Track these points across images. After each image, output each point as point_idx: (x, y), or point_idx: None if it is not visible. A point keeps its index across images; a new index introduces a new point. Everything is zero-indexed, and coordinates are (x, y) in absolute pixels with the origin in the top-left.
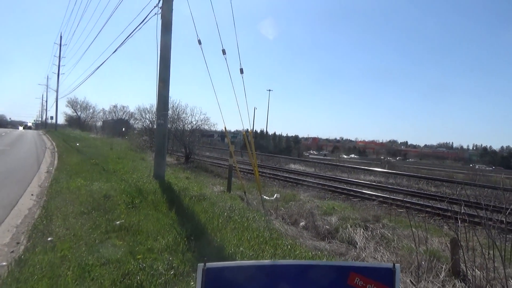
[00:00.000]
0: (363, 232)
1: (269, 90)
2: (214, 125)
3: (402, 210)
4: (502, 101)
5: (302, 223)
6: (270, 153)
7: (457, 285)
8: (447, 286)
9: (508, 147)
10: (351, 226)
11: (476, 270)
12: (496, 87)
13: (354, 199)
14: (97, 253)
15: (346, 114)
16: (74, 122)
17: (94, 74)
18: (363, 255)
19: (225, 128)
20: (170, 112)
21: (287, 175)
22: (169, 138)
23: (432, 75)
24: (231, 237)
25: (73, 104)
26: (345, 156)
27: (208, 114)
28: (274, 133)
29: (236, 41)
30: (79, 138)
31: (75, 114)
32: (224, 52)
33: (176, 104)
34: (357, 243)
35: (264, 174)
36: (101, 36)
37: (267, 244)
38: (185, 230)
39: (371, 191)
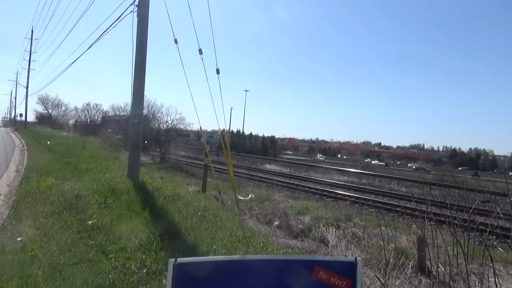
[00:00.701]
0: (335, 231)
1: (246, 91)
2: (190, 124)
3: (373, 210)
4: (471, 104)
5: (276, 223)
6: (246, 153)
7: (423, 281)
8: (413, 281)
9: (476, 148)
10: (323, 225)
11: (441, 266)
12: (466, 91)
13: (327, 199)
14: (69, 253)
15: (322, 116)
16: (45, 119)
17: (67, 70)
18: (335, 253)
19: (201, 128)
20: (145, 111)
21: (262, 175)
22: (144, 137)
23: (403, 79)
24: (205, 236)
25: (44, 101)
26: (320, 156)
27: (184, 113)
28: (251, 134)
29: (213, 41)
30: (50, 136)
31: (46, 111)
32: (200, 52)
33: (152, 103)
34: (329, 242)
35: (239, 174)
36: (75, 32)
37: (240, 242)
38: (158, 229)
39: (344, 191)
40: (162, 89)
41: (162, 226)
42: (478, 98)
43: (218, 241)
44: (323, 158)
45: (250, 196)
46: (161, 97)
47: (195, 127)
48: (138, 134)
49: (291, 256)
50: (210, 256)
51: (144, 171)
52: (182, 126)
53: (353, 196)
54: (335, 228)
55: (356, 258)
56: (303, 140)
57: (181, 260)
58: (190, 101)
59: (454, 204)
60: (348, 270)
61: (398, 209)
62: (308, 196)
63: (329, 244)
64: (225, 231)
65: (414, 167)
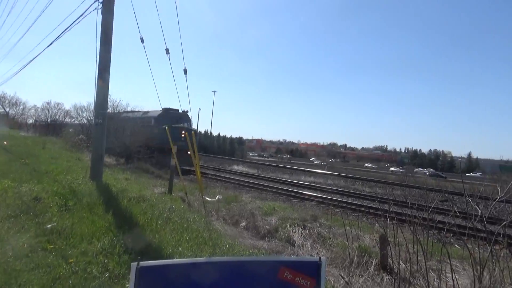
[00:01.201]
0: (301, 231)
1: (214, 92)
2: None
3: (338, 210)
4: (431, 107)
5: (243, 224)
6: (214, 154)
7: (385, 278)
8: (375, 279)
9: (435, 150)
10: (290, 226)
11: (402, 263)
12: (426, 95)
13: (294, 200)
14: (26, 258)
15: (290, 117)
16: (1, 119)
17: (26, 68)
18: (301, 252)
19: (167, 128)
20: (110, 110)
21: (230, 176)
22: (109, 137)
23: (366, 83)
24: (170, 238)
25: (0, 99)
26: (286, 156)
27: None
28: (219, 134)
29: (180, 41)
30: (7, 136)
31: (3, 110)
32: (167, 51)
33: (117, 103)
34: (295, 242)
35: (207, 175)
36: (35, 29)
37: (206, 244)
38: (122, 232)
39: (311, 192)
40: (130, 90)
41: (126, 228)
42: (437, 102)
43: (183, 243)
44: (290, 160)
45: (217, 197)
46: (128, 97)
47: None
48: (102, 134)
49: (257, 257)
50: (174, 259)
51: (108, 172)
52: None
53: (319, 197)
54: (301, 228)
55: (320, 257)
56: (271, 141)
57: (144, 263)
58: (158, 101)
59: (415, 204)
60: (312, 269)
61: (362, 209)
62: (276, 197)
63: (295, 244)
64: (191, 233)
65: (427, 173)
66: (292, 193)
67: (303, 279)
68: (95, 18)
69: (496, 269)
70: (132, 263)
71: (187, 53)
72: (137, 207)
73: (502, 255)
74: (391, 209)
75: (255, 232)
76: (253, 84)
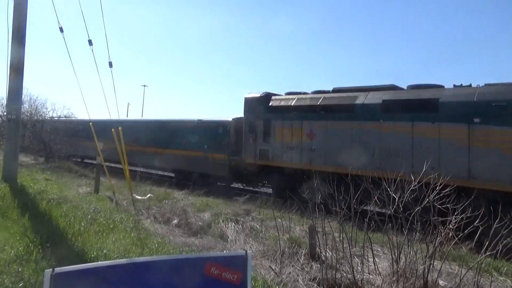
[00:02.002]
0: (234, 225)
1: (144, 86)
2: None
3: (270, 203)
4: None
5: (174, 221)
6: None
7: (314, 266)
8: (305, 268)
9: None
10: (223, 221)
11: (329, 251)
12: None
13: (227, 194)
14: None
15: (221, 111)
16: None
17: None
18: (234, 247)
19: (92, 124)
20: (26, 105)
21: (161, 173)
22: (25, 135)
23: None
24: (94, 240)
25: None
26: None
27: (75, 109)
28: None
29: (104, 33)
30: None
31: None
32: (90, 43)
33: (35, 97)
34: (228, 237)
35: (138, 173)
36: None
37: (134, 244)
38: (39, 237)
39: (243, 186)
40: (50, 84)
41: (44, 233)
42: None
43: (109, 245)
44: None
45: (148, 195)
46: (49, 92)
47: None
48: (16, 131)
49: (183, 255)
50: (93, 263)
51: (25, 172)
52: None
53: (252, 191)
54: (234, 223)
55: (246, 251)
56: None
57: (60, 269)
58: (81, 95)
59: (340, 194)
60: (239, 263)
61: (292, 201)
62: (209, 192)
63: (228, 240)
64: (118, 234)
65: None
66: (226, 187)
67: (230, 274)
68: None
69: (411, 251)
70: (46, 270)
71: (116, 47)
72: (57, 209)
73: (416, 238)
74: (318, 201)
75: (187, 229)
76: (185, 78)
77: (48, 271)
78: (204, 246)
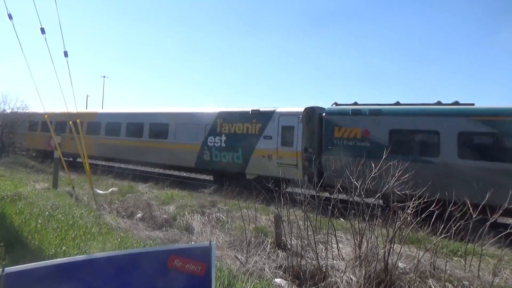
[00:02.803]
0: (200, 217)
1: (104, 77)
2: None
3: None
4: None
5: (138, 215)
6: None
7: (280, 254)
8: (271, 256)
9: None
10: (188, 213)
11: (294, 239)
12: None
13: (192, 187)
14: None
15: (186, 103)
16: None
17: None
18: (200, 239)
19: (47, 117)
20: None
21: (125, 166)
22: None
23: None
24: (52, 237)
25: None
26: None
27: (29, 101)
28: None
29: (58, 21)
30: None
31: None
32: (42, 31)
33: None
34: (194, 229)
35: (99, 166)
36: None
37: (95, 240)
38: None
39: (210, 177)
40: (1, 76)
41: None
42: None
43: (68, 242)
44: None
45: (110, 189)
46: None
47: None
48: None
49: (145, 248)
50: (47, 261)
51: None
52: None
53: (219, 182)
54: (200, 214)
55: (210, 242)
56: None
57: (11, 269)
58: (35, 87)
59: (304, 183)
60: (203, 255)
61: (259, 192)
62: (174, 185)
63: (194, 232)
64: (77, 230)
65: None
66: (190, 180)
67: (194, 265)
68: None
69: (372, 236)
70: None
71: (74, 36)
72: (11, 207)
73: (376, 224)
74: (284, 191)
75: (152, 223)
76: (147, 68)
77: None
78: (169, 239)
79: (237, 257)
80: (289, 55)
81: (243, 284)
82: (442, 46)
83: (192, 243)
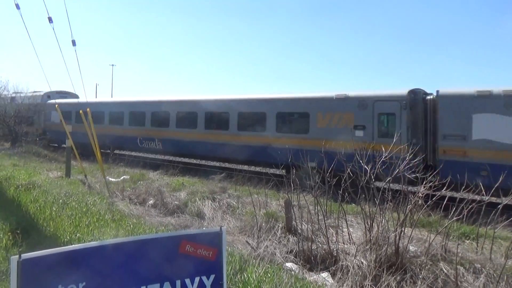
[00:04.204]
0: (211, 203)
1: (113, 65)
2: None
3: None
4: None
5: (150, 202)
6: None
7: (290, 239)
8: (282, 241)
9: None
10: (199, 199)
11: (304, 224)
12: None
13: (203, 173)
14: None
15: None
16: None
17: None
18: (212, 225)
19: (57, 106)
20: None
21: (136, 154)
22: None
23: None
24: (67, 224)
25: None
26: None
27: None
28: None
29: (65, 8)
30: None
31: None
32: (50, 20)
33: None
34: (205, 215)
35: (110, 154)
36: None
37: (108, 226)
38: (9, 224)
39: (220, 164)
40: (12, 66)
41: (13, 219)
42: None
43: (82, 229)
44: None
45: (122, 177)
46: (10, 74)
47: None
48: None
49: (157, 234)
50: (63, 247)
51: None
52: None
53: (228, 168)
54: (211, 200)
55: (221, 227)
56: None
57: (27, 255)
58: (45, 77)
59: (314, 168)
60: (214, 240)
61: (268, 177)
62: (184, 172)
63: (205, 217)
64: (91, 217)
65: None
66: (200, 167)
67: (206, 250)
68: None
69: (383, 220)
70: (12, 257)
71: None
72: (26, 195)
73: (387, 207)
74: (293, 176)
75: (163, 209)
76: (156, 55)
77: (15, 257)
78: (180, 225)
79: (248, 242)
80: (293, 42)
81: (254, 269)
82: (450, 30)
83: (204, 228)
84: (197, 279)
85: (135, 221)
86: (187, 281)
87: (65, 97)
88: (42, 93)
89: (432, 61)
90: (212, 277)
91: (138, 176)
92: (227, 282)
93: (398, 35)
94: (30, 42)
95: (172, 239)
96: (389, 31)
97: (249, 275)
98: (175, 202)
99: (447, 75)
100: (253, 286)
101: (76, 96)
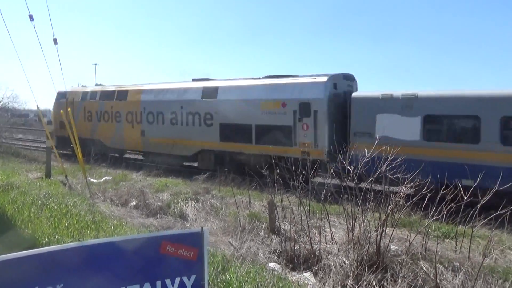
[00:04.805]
0: (194, 204)
1: (95, 64)
2: (25, 103)
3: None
4: None
5: (132, 203)
6: None
7: (273, 240)
8: (265, 241)
9: None
10: (183, 200)
11: (288, 224)
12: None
13: (187, 174)
14: None
15: None
16: None
17: None
18: (194, 226)
19: (38, 106)
20: None
21: (119, 154)
22: None
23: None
24: (46, 226)
25: None
26: None
27: (18, 91)
28: None
29: (47, 5)
30: None
31: None
32: (31, 18)
33: None
34: (188, 216)
35: (91, 155)
36: None
37: (89, 228)
38: None
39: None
40: None
41: None
42: None
43: (62, 230)
44: None
45: (104, 178)
46: None
47: (33, 106)
48: None
49: (137, 235)
50: (35, 249)
51: None
52: (16, 105)
53: (211, 169)
54: (194, 201)
55: (202, 228)
56: None
57: (2, 258)
58: (25, 76)
59: (298, 169)
60: (195, 240)
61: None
62: (167, 173)
63: (188, 218)
64: (71, 218)
65: None
66: (184, 168)
67: (186, 251)
68: None
69: (365, 220)
70: None
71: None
72: (4, 196)
73: (369, 208)
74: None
75: (146, 211)
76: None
77: None
78: (162, 226)
79: (230, 243)
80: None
81: (237, 269)
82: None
83: (185, 229)
84: (177, 280)
85: (116, 222)
86: (168, 281)
87: None
88: None
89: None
90: (193, 277)
91: (121, 177)
92: (209, 283)
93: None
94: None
95: (152, 239)
96: None
97: (231, 275)
98: (158, 203)
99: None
100: (235, 286)
101: None
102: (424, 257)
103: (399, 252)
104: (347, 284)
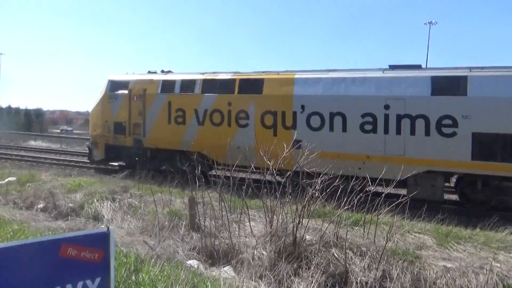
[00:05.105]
0: (110, 204)
1: (1, 54)
2: None
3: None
4: None
5: (40, 205)
6: (4, 129)
7: (194, 236)
8: (185, 239)
9: None
10: (98, 200)
11: (209, 221)
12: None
13: (104, 172)
14: None
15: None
16: None
17: None
18: (110, 227)
19: None
20: None
21: (25, 154)
22: None
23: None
24: None
25: None
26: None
27: None
28: (9, 106)
29: None
30: None
31: None
32: None
33: None
34: (104, 216)
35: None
36: None
37: None
38: None
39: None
40: None
41: None
42: None
43: None
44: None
45: (6, 179)
46: None
47: None
48: None
49: (32, 239)
50: None
51: None
52: None
53: (131, 166)
54: (111, 201)
55: (108, 227)
56: (78, 112)
57: None
58: None
59: (222, 164)
60: (100, 241)
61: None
62: (83, 172)
63: (103, 219)
64: None
65: None
66: (102, 166)
67: (90, 253)
68: None
69: (283, 213)
70: None
71: None
72: None
73: (287, 201)
74: (198, 173)
75: (55, 213)
76: (56, 49)
77: None
78: (72, 228)
79: (145, 242)
80: None
81: (150, 268)
82: None
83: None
84: (80, 284)
85: (16, 227)
86: (69, 286)
87: None
88: None
89: None
90: (97, 280)
91: (27, 178)
92: (120, 284)
93: None
94: None
95: (50, 243)
96: None
97: (144, 275)
98: (70, 204)
99: None
100: (147, 286)
101: None
102: (336, 244)
103: (314, 241)
104: (264, 275)
